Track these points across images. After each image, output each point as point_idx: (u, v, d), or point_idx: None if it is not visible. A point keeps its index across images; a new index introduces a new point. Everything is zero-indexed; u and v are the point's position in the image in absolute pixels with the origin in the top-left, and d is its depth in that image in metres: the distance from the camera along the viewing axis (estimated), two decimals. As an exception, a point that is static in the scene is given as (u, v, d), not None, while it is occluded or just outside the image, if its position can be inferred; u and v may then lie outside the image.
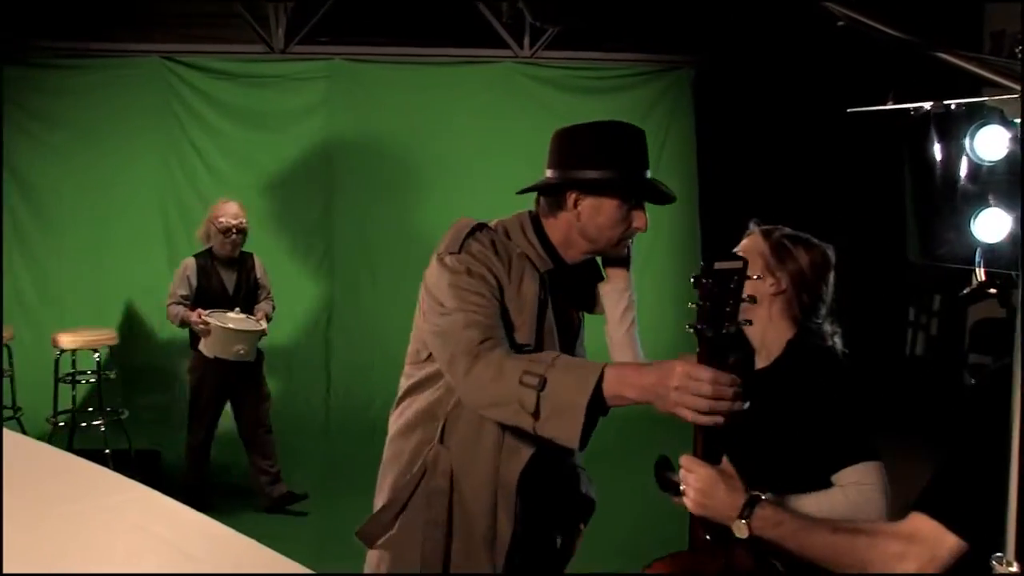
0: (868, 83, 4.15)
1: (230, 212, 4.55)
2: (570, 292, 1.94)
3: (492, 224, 1.87)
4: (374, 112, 6.32)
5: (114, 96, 5.99)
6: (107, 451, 4.88)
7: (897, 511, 1.51)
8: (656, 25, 6.16)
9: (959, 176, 3.48)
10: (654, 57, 6.48)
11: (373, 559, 1.95)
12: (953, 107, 3.41)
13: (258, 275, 4.74)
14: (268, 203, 6.25)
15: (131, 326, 6.11)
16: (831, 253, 1.93)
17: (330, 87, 6.25)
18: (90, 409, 5.31)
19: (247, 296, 4.67)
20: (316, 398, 6.28)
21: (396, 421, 1.94)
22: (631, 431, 4.57)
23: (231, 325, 4.43)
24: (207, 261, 4.61)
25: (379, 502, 1.96)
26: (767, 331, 1.89)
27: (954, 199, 3.51)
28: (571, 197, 1.81)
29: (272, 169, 6.26)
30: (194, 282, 4.56)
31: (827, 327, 1.91)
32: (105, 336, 5.22)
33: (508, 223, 1.88)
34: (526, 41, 6.39)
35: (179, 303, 4.50)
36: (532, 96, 6.40)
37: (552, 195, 1.84)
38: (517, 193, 1.88)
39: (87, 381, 5.20)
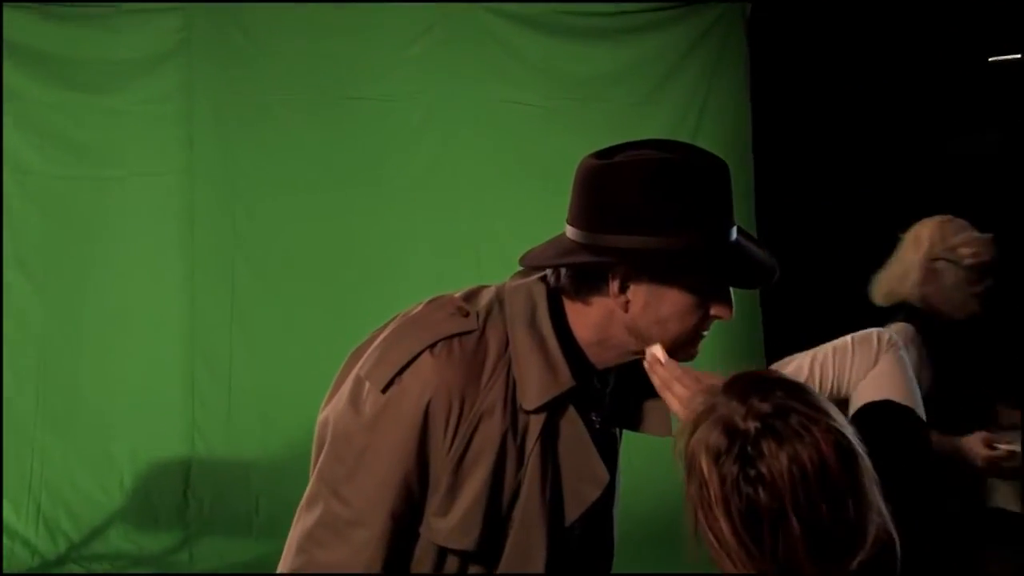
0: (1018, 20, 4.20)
1: (974, 239, 3.37)
2: (601, 404, 1.68)
3: (480, 308, 1.61)
4: (257, 65, 5.27)
5: None
6: None
7: None
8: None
9: None
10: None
11: None
12: None
13: None
14: (97, 200, 5.24)
15: None
16: None
17: (188, 27, 5.23)
18: None
19: None
20: (167, 503, 5.16)
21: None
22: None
23: None
24: (926, 329, 3.27)
25: None
26: None
27: None
28: (614, 279, 1.53)
29: (101, 151, 5.25)
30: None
31: None
32: None
33: (512, 304, 1.61)
34: (492, -41, 5.49)
35: None
36: (501, 42, 5.47)
37: (583, 273, 1.58)
38: (522, 264, 1.63)
39: None
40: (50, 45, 5.08)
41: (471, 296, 1.66)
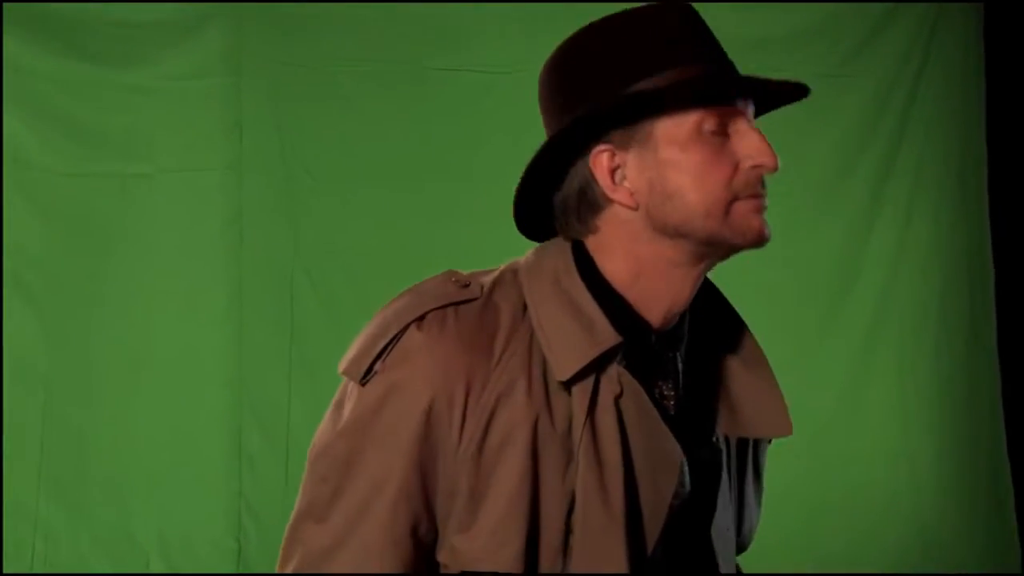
0: None
1: None
2: (670, 372, 1.52)
3: (486, 281, 1.49)
4: (323, 29, 4.73)
5: None
6: None
7: None
8: None
9: None
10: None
11: None
12: None
13: None
14: (116, 203, 4.71)
15: None
16: None
17: (234, 32, 4.80)
18: None
19: None
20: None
21: None
22: None
23: None
24: None
25: None
26: None
27: None
28: (599, 160, 1.41)
29: (122, 141, 4.65)
30: None
31: None
32: None
33: (531, 265, 1.50)
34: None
35: None
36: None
37: (574, 191, 1.46)
38: (516, 220, 1.57)
39: None
40: (55, 4, 4.43)
41: (482, 272, 1.56)
